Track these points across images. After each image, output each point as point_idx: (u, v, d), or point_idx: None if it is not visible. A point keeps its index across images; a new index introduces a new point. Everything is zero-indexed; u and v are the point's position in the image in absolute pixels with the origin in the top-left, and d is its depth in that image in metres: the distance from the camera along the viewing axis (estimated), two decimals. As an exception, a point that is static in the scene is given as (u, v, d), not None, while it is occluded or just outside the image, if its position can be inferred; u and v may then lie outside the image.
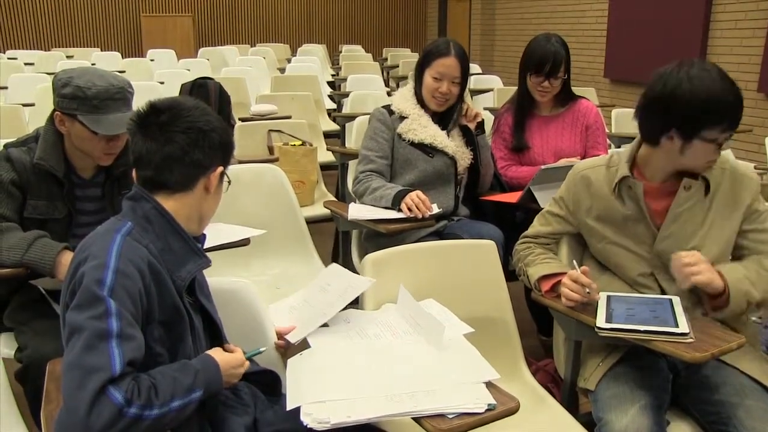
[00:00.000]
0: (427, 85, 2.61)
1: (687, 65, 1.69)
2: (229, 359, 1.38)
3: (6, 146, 2.03)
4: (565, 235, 2.03)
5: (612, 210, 1.86)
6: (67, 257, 1.85)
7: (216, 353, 1.37)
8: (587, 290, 1.74)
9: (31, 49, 9.42)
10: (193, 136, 1.36)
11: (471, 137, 2.70)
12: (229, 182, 1.49)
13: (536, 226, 2.06)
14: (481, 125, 2.70)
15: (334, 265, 1.91)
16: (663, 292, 1.82)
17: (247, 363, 1.44)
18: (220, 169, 1.43)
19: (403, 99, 2.68)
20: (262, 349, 1.54)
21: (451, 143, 2.64)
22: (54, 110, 1.96)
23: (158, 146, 1.35)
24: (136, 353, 1.20)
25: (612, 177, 1.87)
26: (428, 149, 2.62)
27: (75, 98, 1.89)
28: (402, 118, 2.64)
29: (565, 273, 1.81)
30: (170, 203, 1.37)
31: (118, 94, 1.92)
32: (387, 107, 2.70)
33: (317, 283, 1.86)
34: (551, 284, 1.86)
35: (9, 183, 1.96)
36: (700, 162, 1.75)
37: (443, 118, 2.70)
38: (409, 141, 2.62)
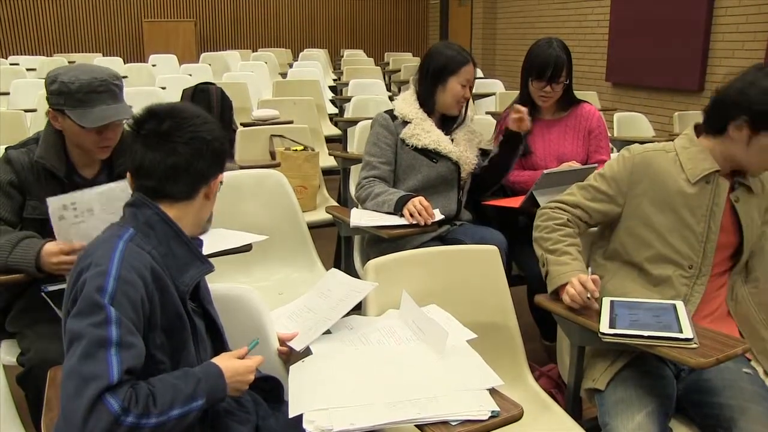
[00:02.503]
0: (455, 92, 2.62)
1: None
2: (236, 366, 1.35)
3: (6, 149, 2.05)
4: (606, 217, 1.96)
5: (677, 193, 1.83)
6: (48, 247, 1.85)
7: (222, 360, 1.35)
8: (588, 296, 1.73)
9: (33, 54, 9.44)
10: (197, 146, 1.35)
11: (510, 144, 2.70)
12: (221, 183, 1.48)
13: (577, 196, 1.98)
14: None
15: (334, 270, 1.91)
16: (685, 294, 1.82)
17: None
18: (221, 176, 1.42)
19: (406, 103, 2.67)
20: (256, 340, 1.52)
21: (455, 148, 2.64)
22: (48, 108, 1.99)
23: (162, 157, 1.33)
24: (135, 361, 1.19)
25: (673, 163, 1.85)
26: (432, 155, 2.61)
27: (61, 94, 1.92)
28: (405, 122, 2.64)
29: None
30: (172, 212, 1.37)
31: (102, 86, 1.94)
32: (390, 112, 2.70)
33: (317, 289, 1.86)
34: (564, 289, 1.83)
35: (7, 184, 1.98)
36: (762, 159, 1.77)
37: (446, 122, 2.70)
38: (412, 146, 2.61)
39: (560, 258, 1.88)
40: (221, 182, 1.47)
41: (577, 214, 1.96)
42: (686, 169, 1.82)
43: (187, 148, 1.34)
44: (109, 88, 1.96)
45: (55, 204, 1.85)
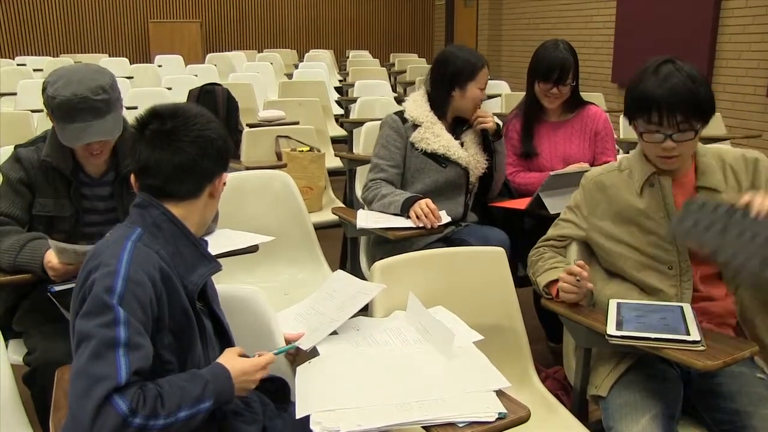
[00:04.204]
0: (474, 96, 2.62)
1: (662, 62, 1.79)
2: (243, 366, 1.35)
3: (16, 147, 2.07)
4: (574, 240, 2.02)
5: (632, 209, 1.85)
6: (47, 257, 1.87)
7: (228, 360, 1.35)
8: (577, 279, 1.74)
9: (40, 55, 9.47)
10: (202, 145, 1.36)
11: (488, 142, 2.69)
12: (224, 183, 1.49)
13: (549, 232, 2.08)
14: (498, 132, 2.70)
15: (340, 271, 1.92)
16: (675, 295, 1.81)
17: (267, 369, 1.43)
18: (225, 175, 1.44)
19: (416, 105, 2.66)
20: (296, 344, 1.55)
21: (464, 153, 2.63)
22: None
23: (168, 156, 1.34)
24: (143, 362, 1.20)
25: (626, 179, 1.88)
26: (441, 159, 2.61)
27: (48, 105, 1.94)
28: (415, 126, 2.62)
29: None
30: (178, 211, 1.37)
31: (82, 104, 1.90)
32: (400, 114, 2.68)
33: (324, 291, 1.86)
34: (557, 288, 1.86)
35: (17, 182, 2.00)
36: (651, 154, 1.81)
37: (457, 125, 2.69)
38: (421, 150, 2.60)
39: (545, 270, 1.94)
40: (224, 182, 1.48)
41: (550, 243, 2.05)
42: (634, 180, 1.87)
43: (192, 146, 1.35)
44: (90, 105, 1.91)
45: (54, 244, 1.85)
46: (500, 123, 2.78)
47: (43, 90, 1.94)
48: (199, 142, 1.36)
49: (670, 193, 1.81)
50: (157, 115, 1.37)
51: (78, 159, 2.06)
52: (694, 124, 1.71)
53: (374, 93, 5.76)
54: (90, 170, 2.09)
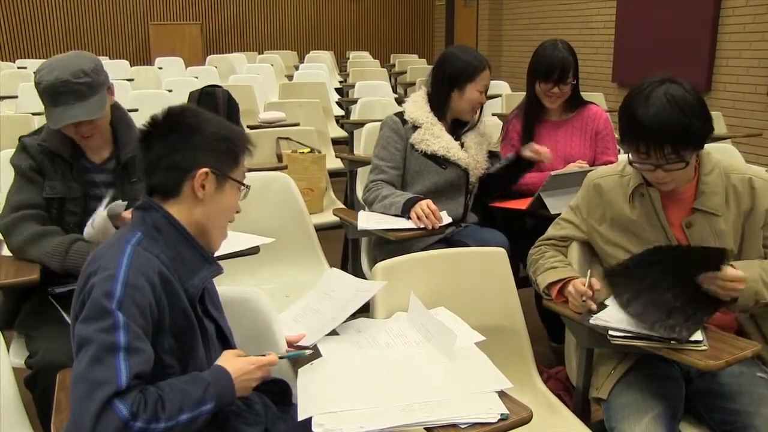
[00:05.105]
0: (472, 99, 2.62)
1: (657, 84, 1.68)
2: (242, 366, 1.35)
3: (20, 138, 2.13)
4: (575, 240, 2.02)
5: (625, 218, 1.85)
6: None
7: (227, 362, 1.35)
8: (583, 299, 1.72)
9: (40, 57, 9.47)
10: (172, 139, 1.36)
11: (516, 165, 2.69)
12: (248, 187, 1.46)
13: (549, 230, 2.07)
14: (531, 163, 2.68)
15: (335, 269, 1.91)
16: None
17: (269, 366, 1.42)
18: (204, 169, 1.35)
19: (417, 107, 2.65)
20: (307, 352, 1.54)
21: (464, 154, 2.63)
22: None
23: (144, 155, 1.37)
24: (143, 366, 1.19)
25: (624, 186, 1.87)
26: (441, 160, 2.60)
27: (37, 91, 2.00)
28: (415, 127, 2.62)
29: (570, 277, 1.82)
30: (175, 212, 1.36)
31: (63, 87, 1.96)
32: (400, 115, 2.68)
33: (320, 290, 1.86)
34: (558, 289, 1.86)
35: (28, 169, 2.06)
36: (645, 175, 1.78)
37: (457, 126, 2.69)
38: (421, 151, 2.60)
39: (545, 270, 1.93)
40: (247, 186, 1.46)
41: (551, 243, 2.04)
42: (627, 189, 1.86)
43: (161, 142, 1.36)
44: (71, 89, 1.97)
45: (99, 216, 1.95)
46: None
47: (34, 76, 2.01)
48: (170, 135, 1.36)
49: (659, 204, 1.80)
50: (153, 120, 1.38)
51: (79, 144, 2.10)
52: (684, 155, 1.66)
53: (375, 94, 5.75)
54: (91, 156, 2.13)
